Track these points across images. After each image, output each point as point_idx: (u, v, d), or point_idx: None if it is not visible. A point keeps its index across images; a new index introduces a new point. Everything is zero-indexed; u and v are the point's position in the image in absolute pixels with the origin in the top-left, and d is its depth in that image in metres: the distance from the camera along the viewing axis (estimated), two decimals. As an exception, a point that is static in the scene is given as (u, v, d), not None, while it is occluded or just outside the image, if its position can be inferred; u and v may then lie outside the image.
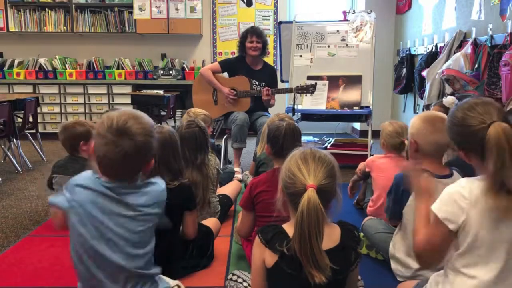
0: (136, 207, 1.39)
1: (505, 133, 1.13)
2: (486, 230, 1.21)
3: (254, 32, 3.89)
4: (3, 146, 4.14)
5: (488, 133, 1.14)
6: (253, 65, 3.99)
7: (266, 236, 1.27)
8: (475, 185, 1.23)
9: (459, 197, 1.22)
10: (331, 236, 1.26)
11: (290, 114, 3.66)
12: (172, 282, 1.58)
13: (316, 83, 3.83)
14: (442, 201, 1.26)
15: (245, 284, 1.65)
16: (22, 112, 4.22)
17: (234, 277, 1.69)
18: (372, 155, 2.74)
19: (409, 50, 4.98)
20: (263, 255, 1.27)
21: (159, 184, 1.48)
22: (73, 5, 5.71)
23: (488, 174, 1.16)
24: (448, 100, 2.55)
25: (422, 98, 4.26)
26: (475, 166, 1.27)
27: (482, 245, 1.22)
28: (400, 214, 1.88)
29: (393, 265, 1.95)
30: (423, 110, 4.14)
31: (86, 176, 1.40)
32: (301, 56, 4.39)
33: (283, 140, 1.94)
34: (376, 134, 4.49)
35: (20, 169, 4.00)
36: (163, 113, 5.11)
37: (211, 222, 2.24)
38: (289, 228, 1.27)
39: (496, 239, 1.22)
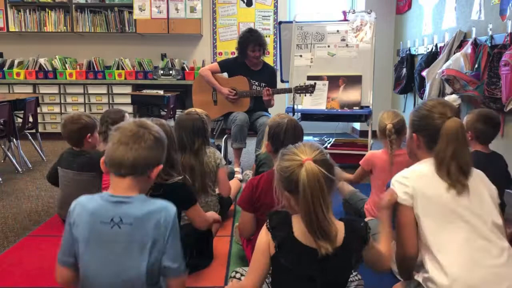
0: None
1: (461, 124, 1.46)
2: (436, 195, 1.44)
3: (256, 42, 3.81)
4: (3, 146, 4.14)
5: (447, 124, 1.45)
6: (252, 65, 3.98)
7: (272, 222, 1.29)
8: (411, 167, 1.54)
9: (401, 179, 1.51)
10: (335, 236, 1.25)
11: (290, 114, 3.66)
12: None
13: (315, 83, 3.82)
14: (394, 190, 1.51)
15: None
16: (22, 112, 4.22)
17: (238, 275, 1.67)
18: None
19: (409, 50, 4.98)
20: (268, 238, 1.27)
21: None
22: (73, 5, 5.71)
23: (437, 156, 1.46)
24: (451, 98, 2.55)
25: (422, 98, 4.26)
26: (417, 150, 1.59)
27: (437, 211, 1.44)
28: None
29: (394, 266, 1.96)
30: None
31: None
32: (301, 56, 4.39)
33: (284, 137, 1.89)
34: (376, 134, 4.49)
35: (20, 169, 4.00)
36: (163, 113, 5.11)
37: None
38: (296, 219, 1.26)
39: (448, 207, 1.43)
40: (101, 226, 1.26)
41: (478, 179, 1.50)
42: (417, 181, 1.48)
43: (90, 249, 1.27)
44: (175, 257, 1.31)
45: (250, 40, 3.82)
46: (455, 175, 1.43)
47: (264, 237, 1.29)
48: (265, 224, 1.30)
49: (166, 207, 1.31)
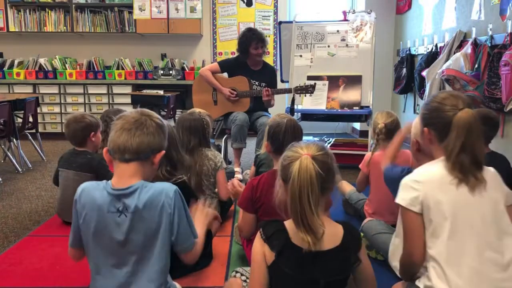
0: None
1: (474, 116, 1.39)
2: (447, 202, 1.37)
3: (260, 40, 3.81)
4: (3, 146, 4.14)
5: (458, 115, 1.38)
6: (252, 65, 3.98)
7: (267, 232, 1.29)
8: (423, 169, 1.47)
9: (412, 183, 1.43)
10: (333, 237, 1.26)
11: (290, 114, 3.66)
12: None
13: (315, 83, 3.82)
14: (400, 192, 1.46)
15: (248, 281, 1.63)
16: (22, 112, 4.22)
17: (238, 275, 1.66)
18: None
19: (409, 50, 4.98)
20: (263, 249, 1.28)
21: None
22: (73, 5, 5.72)
23: (446, 149, 1.40)
24: None
25: (422, 98, 4.27)
26: (429, 145, 1.52)
27: (447, 219, 1.36)
28: None
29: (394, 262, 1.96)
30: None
31: None
32: (301, 56, 4.39)
33: (284, 137, 1.89)
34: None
35: (20, 169, 4.00)
36: (163, 113, 5.11)
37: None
38: (290, 224, 1.27)
39: (460, 212, 1.36)
40: (108, 216, 1.31)
41: (493, 182, 1.43)
42: (428, 186, 1.41)
43: (99, 237, 1.33)
44: (183, 235, 1.37)
45: (252, 38, 3.82)
46: (466, 168, 1.37)
47: (258, 248, 1.29)
48: (258, 235, 1.30)
49: (165, 189, 1.36)
